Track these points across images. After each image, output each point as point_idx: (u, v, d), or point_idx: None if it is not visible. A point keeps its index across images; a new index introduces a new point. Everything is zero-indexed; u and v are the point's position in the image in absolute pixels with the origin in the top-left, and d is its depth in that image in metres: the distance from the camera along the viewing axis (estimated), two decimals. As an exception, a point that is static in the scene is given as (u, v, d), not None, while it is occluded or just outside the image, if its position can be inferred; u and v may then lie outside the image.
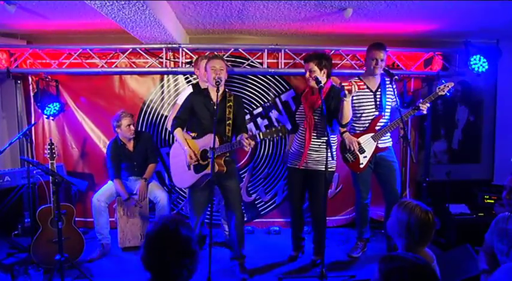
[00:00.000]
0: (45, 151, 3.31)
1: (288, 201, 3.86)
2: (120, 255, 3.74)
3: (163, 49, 4.13)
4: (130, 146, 3.84)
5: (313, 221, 3.43)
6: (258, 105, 4.37)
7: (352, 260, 3.59)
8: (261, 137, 2.87)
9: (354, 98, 3.35)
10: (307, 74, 3.18)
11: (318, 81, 3.05)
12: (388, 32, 4.22)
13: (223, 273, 3.31)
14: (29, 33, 4.34)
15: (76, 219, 3.77)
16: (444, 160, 4.82)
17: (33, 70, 4.19)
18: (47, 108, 4.02)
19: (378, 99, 3.39)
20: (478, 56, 3.99)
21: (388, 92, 3.42)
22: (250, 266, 3.35)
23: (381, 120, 3.41)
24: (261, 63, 4.24)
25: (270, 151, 4.44)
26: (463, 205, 3.99)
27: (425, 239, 1.84)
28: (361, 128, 3.43)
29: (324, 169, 2.93)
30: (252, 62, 4.24)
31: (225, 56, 4.09)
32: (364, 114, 3.40)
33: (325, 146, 2.91)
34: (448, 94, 3.32)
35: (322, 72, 3.17)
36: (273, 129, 2.85)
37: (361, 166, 3.40)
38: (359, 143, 3.36)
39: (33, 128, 4.27)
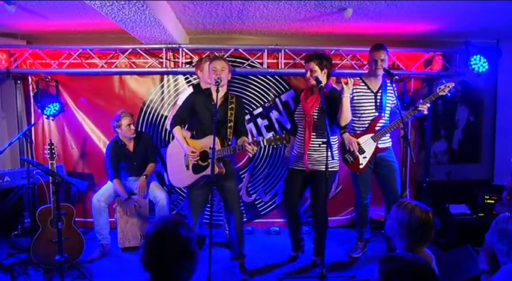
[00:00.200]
0: (45, 151, 3.30)
1: (284, 201, 3.84)
2: (120, 255, 3.73)
3: (163, 49, 4.13)
4: (130, 146, 3.83)
5: (314, 221, 3.43)
6: (258, 105, 4.37)
7: (352, 260, 3.58)
8: (265, 143, 2.92)
9: (354, 98, 3.36)
10: (308, 74, 3.18)
11: (318, 81, 3.06)
12: (388, 32, 4.21)
13: (223, 273, 3.30)
14: (28, 33, 4.34)
15: (76, 219, 3.77)
16: (444, 160, 4.82)
17: (33, 70, 4.19)
18: (46, 108, 4.01)
19: (379, 100, 3.39)
20: (478, 56, 3.99)
21: (388, 93, 3.42)
22: (250, 267, 3.34)
23: (381, 121, 3.40)
24: (261, 64, 4.24)
25: (270, 151, 4.45)
26: (463, 205, 3.98)
27: (426, 239, 1.84)
28: (361, 129, 3.42)
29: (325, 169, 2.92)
30: (252, 62, 4.24)
31: (225, 56, 4.08)
32: (364, 115, 3.40)
33: (325, 146, 2.92)
34: (448, 94, 3.31)
35: (323, 72, 3.17)
36: (277, 136, 2.90)
37: (361, 167, 3.39)
38: (358, 144, 3.36)
39: (33, 128, 4.27)
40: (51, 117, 4.12)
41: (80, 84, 4.31)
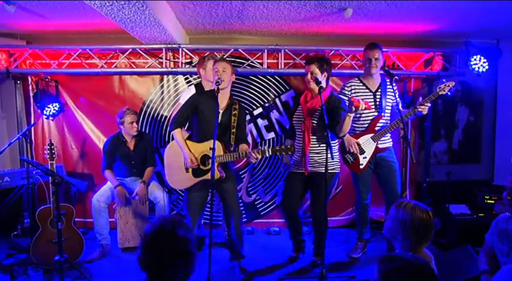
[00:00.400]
0: (45, 151, 3.31)
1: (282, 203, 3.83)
2: (120, 255, 3.73)
3: (163, 49, 4.13)
4: (131, 144, 3.84)
5: (314, 222, 3.42)
6: (258, 105, 4.36)
7: (352, 260, 3.58)
8: (270, 153, 2.97)
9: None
10: (309, 76, 3.18)
11: (317, 82, 3.06)
12: (388, 32, 4.21)
13: (223, 274, 3.30)
14: (28, 34, 4.34)
15: (76, 219, 3.76)
16: (444, 160, 4.82)
17: (32, 70, 4.19)
18: (46, 108, 4.01)
19: (378, 100, 3.39)
20: (478, 56, 3.99)
21: (388, 93, 3.42)
22: (250, 267, 3.34)
23: (381, 120, 3.40)
24: (261, 64, 4.23)
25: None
26: (463, 205, 3.98)
27: (426, 239, 1.85)
28: (361, 129, 3.42)
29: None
30: (252, 62, 4.24)
31: (225, 56, 4.09)
32: (363, 115, 3.40)
33: (325, 148, 2.92)
34: (449, 93, 3.30)
35: (323, 75, 3.18)
36: (283, 147, 2.98)
37: (361, 167, 3.39)
38: (358, 144, 3.35)
39: (32, 128, 4.27)
40: (50, 118, 4.12)
41: (79, 84, 4.30)
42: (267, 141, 4.41)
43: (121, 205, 3.72)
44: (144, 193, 3.73)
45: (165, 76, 4.32)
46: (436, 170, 4.62)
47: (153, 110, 4.35)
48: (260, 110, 4.37)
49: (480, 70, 4.01)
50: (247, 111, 4.26)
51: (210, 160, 2.96)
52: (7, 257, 3.62)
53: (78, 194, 4.31)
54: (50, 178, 3.04)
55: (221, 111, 3.12)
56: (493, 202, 4.04)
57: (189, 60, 4.24)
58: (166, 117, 4.33)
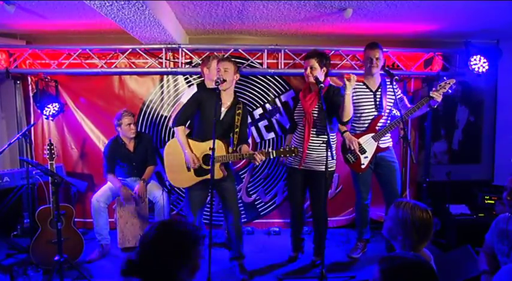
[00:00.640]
0: (45, 152, 3.31)
1: (288, 201, 3.85)
2: (120, 256, 3.73)
3: (163, 49, 4.13)
4: (130, 146, 3.83)
5: (314, 221, 3.43)
6: (258, 105, 4.36)
7: (352, 260, 3.58)
8: (274, 155, 2.98)
9: (354, 97, 3.35)
10: (308, 71, 3.17)
11: (318, 81, 3.06)
12: (388, 32, 4.21)
13: (223, 273, 3.30)
14: (28, 34, 4.34)
15: (75, 220, 3.76)
16: (444, 160, 4.82)
17: (32, 70, 4.18)
18: (46, 108, 4.01)
19: (378, 99, 3.39)
20: (478, 56, 3.99)
21: (388, 92, 3.42)
22: (250, 267, 3.34)
23: (381, 120, 3.40)
24: (261, 64, 4.23)
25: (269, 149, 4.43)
26: (463, 205, 3.98)
27: (426, 238, 1.85)
28: (361, 128, 3.42)
29: (324, 169, 2.92)
30: (251, 62, 4.24)
31: (225, 56, 4.08)
32: (364, 114, 3.40)
33: (324, 146, 2.92)
34: (450, 91, 3.30)
35: (322, 70, 3.18)
36: (287, 149, 2.97)
37: (363, 166, 3.39)
38: (359, 144, 3.35)
39: (32, 128, 4.26)
40: (50, 118, 4.11)
41: (79, 84, 4.30)
42: (267, 141, 4.41)
43: (127, 204, 3.73)
44: (143, 191, 3.72)
45: (165, 76, 4.31)
46: (436, 170, 4.62)
47: (152, 110, 4.35)
48: (260, 110, 4.37)
49: (480, 70, 4.01)
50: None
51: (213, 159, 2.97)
52: (7, 258, 3.62)
53: (78, 194, 4.31)
54: (49, 178, 3.05)
55: (224, 110, 3.12)
56: (493, 202, 4.04)
57: (188, 61, 4.23)
58: (166, 117, 4.33)
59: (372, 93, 3.41)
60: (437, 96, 3.25)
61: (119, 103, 4.24)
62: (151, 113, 4.35)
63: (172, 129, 3.77)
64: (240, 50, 4.19)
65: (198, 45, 4.27)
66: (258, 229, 4.46)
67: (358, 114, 3.40)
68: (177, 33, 3.89)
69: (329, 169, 3.13)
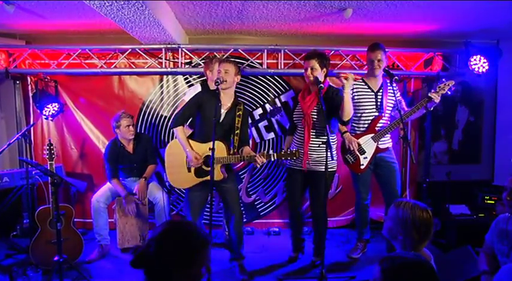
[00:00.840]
0: (44, 152, 3.30)
1: (287, 202, 3.84)
2: (119, 256, 3.72)
3: (163, 49, 4.12)
4: (129, 147, 3.82)
5: (314, 222, 3.42)
6: (258, 105, 4.36)
7: (352, 261, 3.58)
8: (275, 157, 2.97)
9: (355, 98, 3.35)
10: (309, 71, 3.17)
11: (318, 82, 3.06)
12: (388, 32, 4.21)
13: (223, 274, 3.30)
14: (27, 34, 4.33)
15: (75, 220, 3.75)
16: (444, 160, 4.81)
17: (32, 70, 4.18)
18: (45, 108, 4.00)
19: (379, 100, 3.39)
20: (478, 56, 3.98)
21: (389, 93, 3.42)
22: (249, 267, 3.34)
23: (381, 121, 3.40)
24: (261, 64, 4.23)
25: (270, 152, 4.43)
26: (463, 205, 3.98)
27: (426, 237, 1.85)
28: (361, 129, 3.42)
29: (324, 170, 2.92)
30: (251, 62, 4.23)
31: (225, 56, 4.08)
32: (364, 115, 3.40)
33: (324, 146, 2.92)
34: (449, 93, 3.31)
35: (323, 71, 3.18)
36: (288, 152, 2.97)
37: (362, 167, 3.39)
38: (359, 144, 3.35)
39: (32, 128, 4.25)
40: (50, 118, 4.10)
41: (79, 84, 4.29)
42: (267, 141, 4.41)
43: (132, 214, 3.71)
44: (144, 190, 3.71)
45: (165, 76, 4.31)
46: (436, 170, 4.61)
47: (152, 111, 4.35)
48: (260, 110, 4.37)
49: (480, 70, 4.00)
50: (247, 112, 4.25)
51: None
52: (6, 258, 3.61)
53: (78, 195, 4.30)
54: (49, 178, 3.04)
55: (225, 112, 3.11)
56: (493, 202, 4.04)
57: (188, 61, 4.23)
58: (166, 117, 4.32)
59: (373, 93, 3.40)
60: (436, 97, 3.27)
61: (119, 103, 4.24)
62: (151, 113, 4.35)
63: (172, 130, 3.75)
64: (239, 50, 4.18)
65: (198, 46, 4.27)
66: (258, 229, 4.46)
67: (359, 115, 3.40)
68: (176, 33, 3.88)
69: (330, 170, 3.13)
